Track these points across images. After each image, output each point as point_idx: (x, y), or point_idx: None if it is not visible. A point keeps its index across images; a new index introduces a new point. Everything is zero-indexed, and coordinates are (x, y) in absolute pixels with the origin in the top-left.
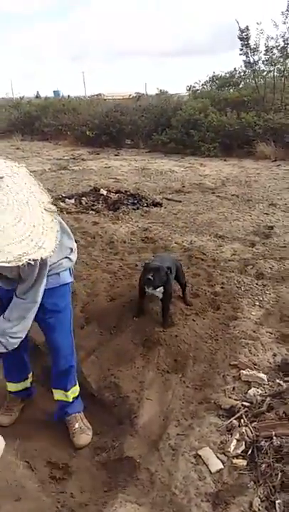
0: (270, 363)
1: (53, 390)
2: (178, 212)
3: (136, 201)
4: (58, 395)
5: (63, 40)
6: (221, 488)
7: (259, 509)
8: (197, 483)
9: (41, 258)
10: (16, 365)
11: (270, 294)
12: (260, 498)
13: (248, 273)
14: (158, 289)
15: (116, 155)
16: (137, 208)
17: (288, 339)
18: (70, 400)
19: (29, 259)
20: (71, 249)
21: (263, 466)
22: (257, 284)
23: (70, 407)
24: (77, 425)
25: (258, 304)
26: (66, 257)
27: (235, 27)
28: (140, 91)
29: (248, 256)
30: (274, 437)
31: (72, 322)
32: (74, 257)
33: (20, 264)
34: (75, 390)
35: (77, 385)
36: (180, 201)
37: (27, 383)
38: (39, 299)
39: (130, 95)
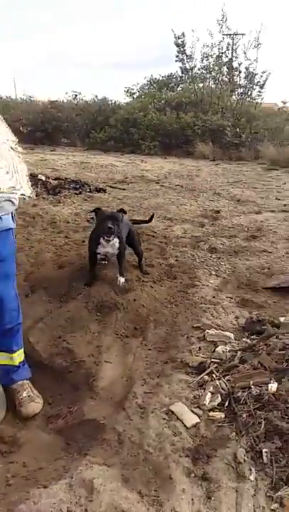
0: (233, 324)
1: None
2: (123, 198)
3: (78, 186)
4: (1, 358)
5: None
6: (200, 442)
7: (244, 460)
8: (172, 438)
9: None
10: None
11: (225, 265)
12: (244, 448)
13: (200, 248)
14: (111, 242)
15: (52, 151)
16: (80, 193)
17: (249, 303)
18: (16, 364)
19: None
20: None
21: (244, 415)
22: (211, 256)
23: (17, 373)
24: (25, 393)
25: (214, 273)
26: (8, 200)
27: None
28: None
29: (198, 234)
30: (252, 386)
31: (16, 278)
32: (16, 201)
33: (12, 197)
34: (21, 354)
35: (23, 349)
36: (124, 189)
37: None
38: None
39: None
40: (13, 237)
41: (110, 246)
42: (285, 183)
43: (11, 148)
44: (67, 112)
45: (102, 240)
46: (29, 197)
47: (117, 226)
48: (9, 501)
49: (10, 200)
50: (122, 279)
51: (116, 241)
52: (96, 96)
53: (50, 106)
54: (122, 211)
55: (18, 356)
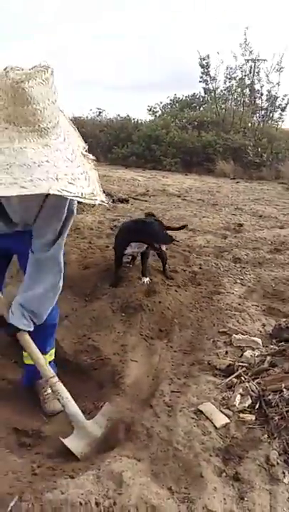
0: (260, 331)
1: (25, 353)
2: (146, 209)
3: None
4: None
5: None
6: (231, 442)
7: (278, 462)
8: (202, 437)
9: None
10: None
11: (249, 274)
12: (276, 451)
13: (224, 258)
14: (137, 245)
15: None
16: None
17: (275, 312)
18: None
19: (101, 201)
20: None
21: (276, 418)
22: (235, 266)
23: None
24: (49, 390)
25: (239, 282)
26: None
27: (185, 66)
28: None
29: (221, 245)
30: (284, 390)
31: None
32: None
33: (94, 203)
34: (52, 353)
35: (54, 348)
36: (146, 201)
37: None
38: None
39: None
40: None
41: (137, 246)
42: None
43: (82, 154)
44: (90, 127)
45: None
46: (107, 203)
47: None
48: (36, 489)
49: None
50: (145, 279)
51: (141, 245)
52: (118, 115)
53: (75, 121)
54: (151, 215)
55: (50, 356)
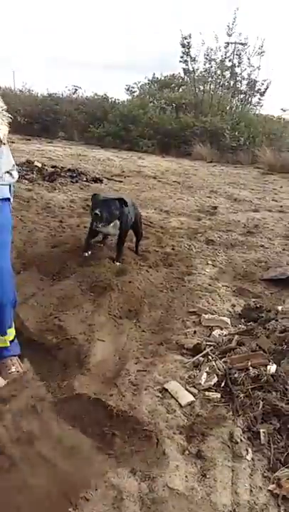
0: (229, 311)
1: None
2: (120, 189)
3: (74, 175)
4: None
5: None
6: (195, 420)
7: (241, 440)
8: (166, 416)
9: None
10: None
11: (221, 256)
12: (241, 428)
13: (197, 239)
14: (111, 225)
15: (49, 143)
16: (76, 182)
17: (245, 293)
18: (8, 345)
19: None
20: (13, 165)
21: (241, 396)
22: (208, 247)
23: (7, 349)
24: (13, 368)
25: (210, 263)
26: (8, 172)
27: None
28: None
29: (195, 227)
30: (250, 368)
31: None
32: (15, 174)
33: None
34: (11, 333)
35: (13, 327)
36: (121, 181)
37: None
38: None
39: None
40: (10, 208)
41: (112, 227)
42: (281, 187)
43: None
44: (66, 105)
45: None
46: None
47: (109, 214)
48: None
49: (9, 173)
50: (117, 264)
51: (115, 224)
52: (96, 93)
53: (50, 98)
54: (123, 202)
55: (9, 336)
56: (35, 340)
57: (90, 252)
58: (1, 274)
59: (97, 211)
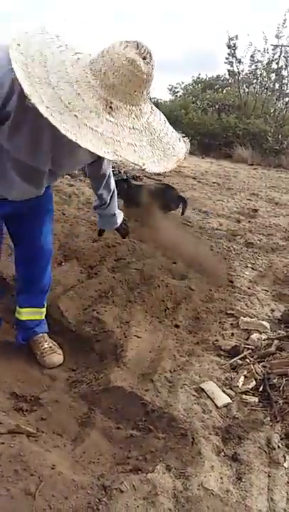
0: (268, 316)
1: (22, 310)
2: None
3: (116, 173)
4: (28, 314)
5: None
6: (231, 423)
7: (279, 446)
8: (202, 415)
9: None
10: None
11: (261, 259)
12: (278, 434)
13: (237, 242)
14: None
15: None
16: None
17: (285, 298)
18: (43, 318)
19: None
20: None
21: (280, 402)
22: (247, 250)
23: (39, 326)
24: (46, 344)
25: (250, 266)
26: None
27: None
28: None
29: (234, 229)
30: None
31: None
32: None
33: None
34: (44, 311)
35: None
36: (160, 180)
37: None
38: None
39: None
40: (53, 197)
41: None
42: None
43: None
44: None
45: None
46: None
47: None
48: None
49: None
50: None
51: None
52: None
53: None
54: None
55: (45, 311)
56: (73, 331)
57: None
58: (48, 256)
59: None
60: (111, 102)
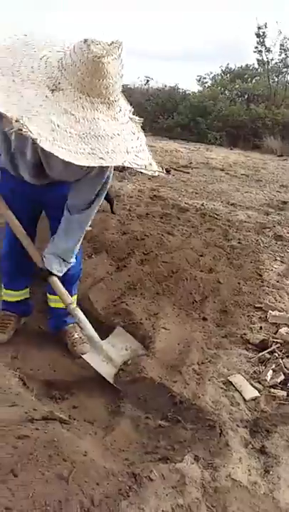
0: None
1: (51, 297)
2: (187, 180)
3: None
4: (56, 302)
5: None
6: (259, 416)
7: None
8: (230, 408)
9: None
10: (22, 269)
11: None
12: None
13: (265, 234)
14: None
15: None
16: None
17: None
18: (75, 305)
19: (156, 171)
20: None
21: None
22: (276, 243)
23: (70, 316)
24: (76, 335)
25: (279, 259)
26: None
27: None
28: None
29: (263, 221)
30: None
31: None
32: None
33: (153, 174)
34: (75, 299)
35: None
36: (188, 172)
37: (28, 293)
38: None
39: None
40: None
41: None
42: None
43: (129, 117)
44: (137, 96)
45: None
46: (163, 173)
47: None
48: None
49: None
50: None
51: None
52: (166, 85)
53: (123, 89)
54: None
55: (75, 300)
56: (103, 322)
57: None
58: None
59: None
60: (59, 83)
